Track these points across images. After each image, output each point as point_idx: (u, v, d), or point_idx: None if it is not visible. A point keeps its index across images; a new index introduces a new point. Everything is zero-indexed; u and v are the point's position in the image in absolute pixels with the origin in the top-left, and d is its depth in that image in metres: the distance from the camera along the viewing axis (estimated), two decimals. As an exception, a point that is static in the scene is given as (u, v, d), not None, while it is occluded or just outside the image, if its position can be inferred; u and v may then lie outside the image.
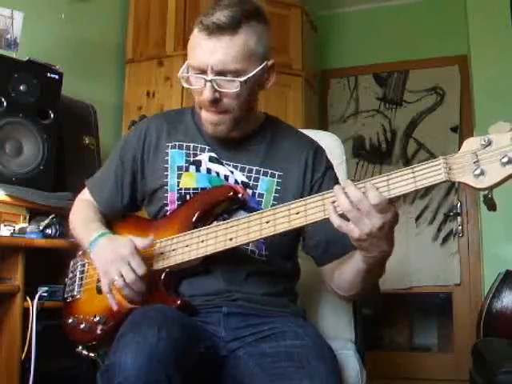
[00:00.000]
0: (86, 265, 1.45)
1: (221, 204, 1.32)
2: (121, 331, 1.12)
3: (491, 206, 1.05)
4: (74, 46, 2.80)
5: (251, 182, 1.36)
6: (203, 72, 1.25)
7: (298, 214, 1.15)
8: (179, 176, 1.38)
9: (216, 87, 1.25)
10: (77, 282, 1.44)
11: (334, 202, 1.10)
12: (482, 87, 3.61)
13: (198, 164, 1.38)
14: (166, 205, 1.38)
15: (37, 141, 2.06)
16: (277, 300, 1.36)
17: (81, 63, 2.82)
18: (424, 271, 3.98)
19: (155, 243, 1.30)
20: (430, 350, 4.13)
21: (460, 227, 3.99)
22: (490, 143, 1.01)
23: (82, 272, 1.44)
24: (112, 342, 1.11)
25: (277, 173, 1.37)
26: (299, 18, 3.50)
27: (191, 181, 1.37)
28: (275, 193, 1.36)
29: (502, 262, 3.08)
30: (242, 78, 1.25)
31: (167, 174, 1.39)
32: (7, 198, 1.92)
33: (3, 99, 1.98)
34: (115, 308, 1.28)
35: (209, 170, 1.38)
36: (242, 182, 1.36)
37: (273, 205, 1.32)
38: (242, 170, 1.37)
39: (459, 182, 1.03)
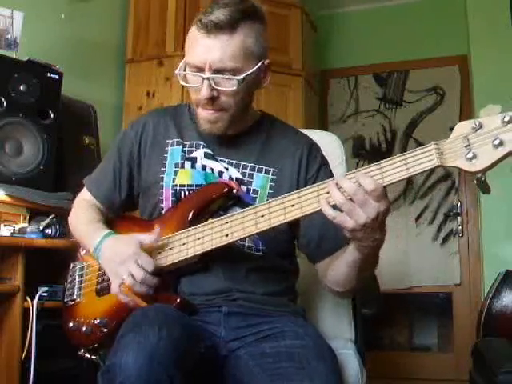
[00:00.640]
0: (85, 267, 1.44)
1: (216, 201, 1.32)
2: (121, 331, 1.12)
3: (485, 188, 1.05)
4: (74, 46, 2.80)
5: (246, 179, 1.36)
6: (201, 70, 1.26)
7: (292, 206, 1.15)
8: (175, 173, 1.38)
9: (213, 85, 1.25)
10: (76, 286, 1.43)
11: (327, 193, 1.10)
12: (482, 87, 3.61)
13: (193, 160, 1.38)
14: (161, 201, 1.38)
15: (37, 141, 2.06)
16: (277, 299, 1.36)
17: (81, 63, 2.82)
18: (424, 271, 3.98)
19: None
20: (430, 350, 4.13)
21: (460, 227, 3.99)
22: (481, 126, 1.01)
23: (81, 275, 1.44)
24: (113, 344, 1.11)
25: (271, 169, 1.38)
26: (299, 17, 3.50)
27: (186, 177, 1.37)
28: (270, 189, 1.36)
29: (502, 262, 3.08)
30: (240, 77, 1.26)
31: (164, 170, 1.39)
32: (7, 198, 1.92)
33: (3, 99, 1.98)
34: (131, 304, 1.26)
35: (204, 167, 1.38)
36: (237, 178, 1.36)
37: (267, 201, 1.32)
38: (237, 166, 1.37)
39: (452, 167, 1.03)
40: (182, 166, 1.38)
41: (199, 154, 1.39)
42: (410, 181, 4.00)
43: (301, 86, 3.44)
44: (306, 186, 1.33)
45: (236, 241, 1.23)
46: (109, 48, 3.18)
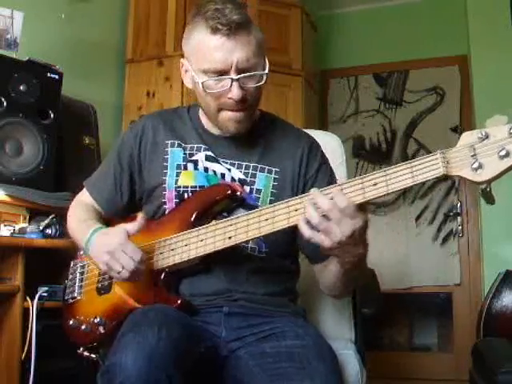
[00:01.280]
0: (86, 266, 1.44)
1: (219, 203, 1.32)
2: (121, 331, 1.12)
3: (490, 199, 1.05)
4: (74, 46, 2.80)
5: (248, 179, 1.36)
6: (224, 73, 1.25)
7: (296, 210, 1.15)
8: (178, 174, 1.38)
9: (242, 85, 1.25)
10: (77, 284, 1.43)
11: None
12: (482, 87, 3.61)
13: (195, 163, 1.38)
14: (164, 203, 1.38)
15: (37, 141, 2.06)
16: (277, 300, 1.36)
17: (81, 63, 2.82)
18: (424, 271, 3.98)
19: (154, 243, 1.30)
20: (430, 349, 4.13)
21: (460, 227, 3.99)
22: (487, 136, 1.01)
23: (82, 273, 1.44)
24: (113, 343, 1.11)
25: (274, 169, 1.38)
26: (299, 18, 3.50)
27: (189, 179, 1.37)
28: (272, 189, 1.36)
29: (502, 262, 3.08)
30: (265, 71, 1.28)
31: (166, 172, 1.39)
32: (7, 198, 1.92)
33: (3, 99, 1.98)
34: (141, 278, 1.25)
35: (206, 169, 1.38)
36: (240, 178, 1.36)
37: (270, 201, 1.33)
38: (239, 167, 1.37)
39: (457, 176, 1.03)
40: (185, 168, 1.38)
41: (200, 156, 1.38)
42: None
43: (301, 86, 3.44)
44: (305, 186, 1.34)
45: (239, 244, 1.23)
46: (109, 48, 3.18)
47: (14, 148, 2.01)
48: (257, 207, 1.28)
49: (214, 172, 1.37)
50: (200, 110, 1.43)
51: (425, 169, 1.04)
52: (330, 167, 1.45)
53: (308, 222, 1.10)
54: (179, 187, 1.37)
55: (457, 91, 4.10)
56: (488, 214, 3.52)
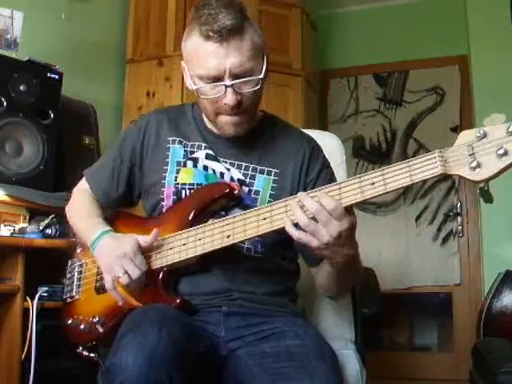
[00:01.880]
0: (84, 265, 1.44)
1: (217, 201, 1.32)
2: (121, 331, 1.12)
3: (488, 198, 1.05)
4: (74, 46, 2.80)
5: (247, 180, 1.36)
6: (219, 79, 1.24)
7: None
8: (178, 171, 1.38)
9: (237, 90, 1.25)
10: (75, 283, 1.43)
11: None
12: (482, 87, 3.61)
13: (195, 161, 1.38)
14: (162, 199, 1.38)
15: (37, 141, 2.06)
16: (277, 299, 1.36)
17: (81, 63, 2.82)
18: (424, 271, 3.98)
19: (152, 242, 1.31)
20: (429, 349, 4.13)
21: (460, 227, 3.99)
22: (485, 135, 1.01)
23: (80, 272, 1.44)
24: (112, 342, 1.11)
25: (273, 170, 1.38)
26: (299, 17, 3.50)
27: (188, 176, 1.37)
28: (271, 190, 1.36)
29: (502, 262, 3.08)
30: (260, 75, 1.27)
31: (166, 169, 1.39)
32: (7, 198, 1.92)
33: (3, 99, 1.99)
34: (121, 303, 1.28)
35: (205, 167, 1.38)
36: (239, 179, 1.36)
37: (269, 202, 1.32)
38: (239, 167, 1.37)
39: (455, 175, 1.03)
40: (185, 165, 1.38)
41: (201, 154, 1.39)
42: (410, 181, 3.99)
43: (301, 85, 3.44)
44: (305, 190, 1.34)
45: (237, 243, 1.23)
46: (109, 48, 3.18)
47: (14, 148, 2.02)
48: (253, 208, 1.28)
49: (214, 171, 1.37)
50: None
51: (423, 168, 1.04)
52: (331, 170, 1.45)
53: (295, 224, 1.11)
54: (178, 184, 1.37)
55: (457, 91, 4.10)
56: (488, 214, 3.52)
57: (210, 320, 1.29)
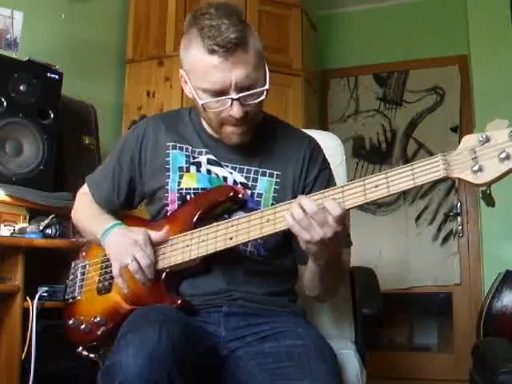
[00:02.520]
0: (87, 266, 1.45)
1: (221, 204, 1.32)
2: (121, 331, 1.13)
3: (490, 202, 1.06)
4: (74, 46, 2.80)
5: (250, 183, 1.36)
6: (224, 92, 1.23)
7: None
8: (180, 176, 1.38)
9: (243, 102, 1.25)
10: (77, 284, 1.44)
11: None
12: (482, 87, 3.61)
13: (198, 165, 1.38)
14: (167, 205, 1.38)
15: (37, 141, 2.06)
16: (277, 300, 1.36)
17: (81, 63, 2.82)
18: (424, 271, 3.97)
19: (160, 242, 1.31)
20: (429, 350, 4.13)
21: (460, 227, 3.99)
22: (488, 140, 1.02)
23: (83, 273, 1.45)
24: (112, 343, 1.11)
25: (275, 172, 1.38)
26: (299, 17, 3.50)
27: (192, 181, 1.37)
28: (274, 192, 1.36)
29: (502, 262, 3.08)
30: (266, 86, 1.26)
31: (168, 175, 1.39)
32: (7, 198, 1.92)
33: (3, 99, 1.98)
34: (126, 291, 1.29)
35: (209, 171, 1.38)
36: (241, 182, 1.36)
37: (272, 204, 1.32)
38: (241, 171, 1.37)
39: (457, 179, 1.04)
40: (188, 170, 1.38)
41: (202, 159, 1.38)
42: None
43: (301, 85, 3.43)
44: (304, 192, 1.34)
45: (239, 244, 1.23)
46: (109, 48, 3.18)
47: (14, 148, 2.01)
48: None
49: (217, 175, 1.37)
50: None
51: (426, 171, 1.06)
52: (330, 172, 1.45)
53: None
54: (181, 189, 1.37)
55: (457, 91, 4.10)
56: (488, 214, 3.52)
57: (211, 320, 1.29)
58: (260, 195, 1.36)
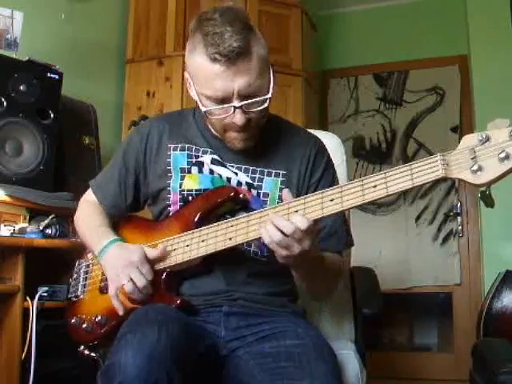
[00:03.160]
0: (91, 265, 1.46)
1: (222, 204, 1.32)
2: (121, 331, 1.13)
3: (489, 202, 1.05)
4: (74, 46, 2.80)
5: (255, 183, 1.36)
6: (227, 100, 1.23)
7: (297, 211, 1.15)
8: (182, 178, 1.38)
9: (246, 110, 1.24)
10: (81, 283, 1.45)
11: (331, 200, 1.14)
12: (482, 87, 3.61)
13: (200, 165, 1.38)
14: (169, 206, 1.38)
15: (37, 141, 2.06)
16: (277, 300, 1.36)
17: (81, 63, 2.82)
18: (424, 271, 3.98)
19: (156, 243, 1.31)
20: (430, 349, 4.13)
21: (460, 227, 3.99)
22: (488, 139, 1.01)
23: (86, 272, 1.46)
24: (113, 342, 1.11)
25: (281, 172, 1.38)
26: (299, 17, 3.50)
27: (194, 182, 1.37)
28: (280, 192, 1.36)
29: (502, 262, 3.08)
30: (268, 94, 1.26)
31: (170, 176, 1.39)
32: (7, 198, 1.92)
33: (3, 99, 1.98)
34: (121, 313, 1.29)
35: (211, 172, 1.38)
36: (247, 182, 1.36)
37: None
38: (246, 171, 1.37)
39: (456, 179, 1.04)
40: (189, 171, 1.38)
41: (206, 159, 1.38)
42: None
43: (301, 86, 3.43)
44: (307, 192, 1.34)
45: (239, 244, 1.23)
46: (109, 48, 3.18)
47: (14, 148, 2.01)
48: None
49: (220, 176, 1.37)
50: None
51: (424, 171, 1.05)
52: (334, 172, 1.45)
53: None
54: (183, 190, 1.37)
55: (457, 91, 4.10)
56: (488, 214, 3.52)
57: (211, 320, 1.29)
58: (266, 195, 1.36)
